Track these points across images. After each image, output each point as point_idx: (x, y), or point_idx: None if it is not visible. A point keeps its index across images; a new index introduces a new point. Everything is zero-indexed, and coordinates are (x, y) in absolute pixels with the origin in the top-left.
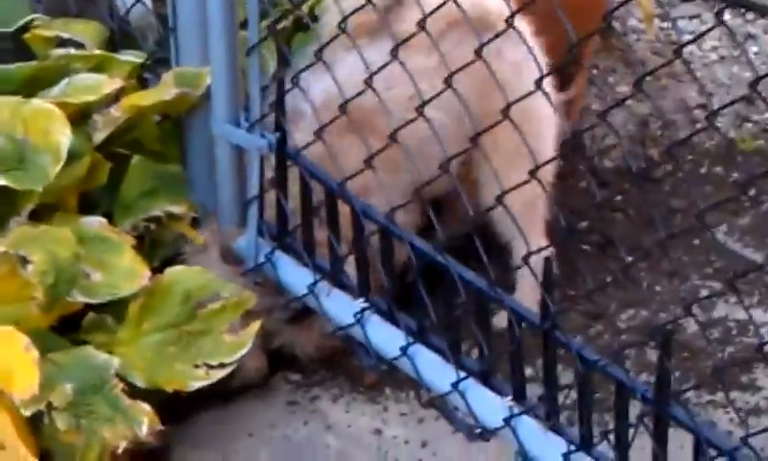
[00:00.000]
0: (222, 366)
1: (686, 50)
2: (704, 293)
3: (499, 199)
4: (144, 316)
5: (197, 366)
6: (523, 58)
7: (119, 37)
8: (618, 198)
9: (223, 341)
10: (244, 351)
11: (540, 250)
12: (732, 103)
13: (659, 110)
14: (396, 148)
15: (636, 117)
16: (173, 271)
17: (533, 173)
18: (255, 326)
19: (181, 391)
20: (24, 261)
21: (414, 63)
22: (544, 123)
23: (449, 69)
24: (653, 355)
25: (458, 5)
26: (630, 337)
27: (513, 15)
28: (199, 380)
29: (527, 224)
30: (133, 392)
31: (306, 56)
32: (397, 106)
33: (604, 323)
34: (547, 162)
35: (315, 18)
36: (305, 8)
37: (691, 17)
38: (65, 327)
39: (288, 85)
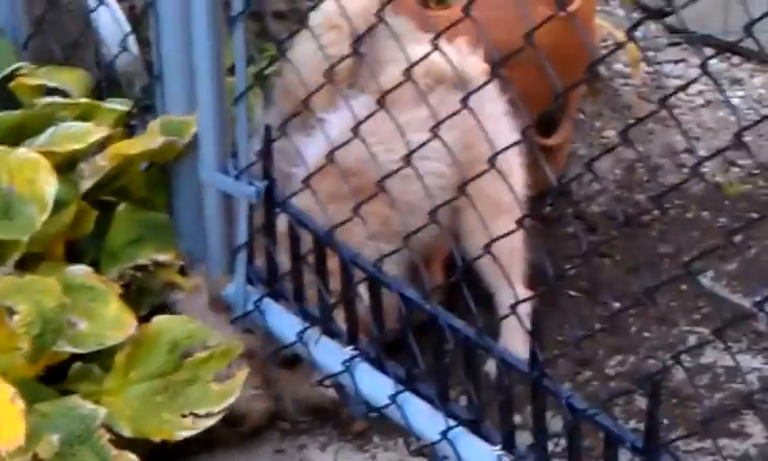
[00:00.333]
0: (209, 415)
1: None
2: (692, 339)
3: (487, 247)
4: (131, 365)
5: (184, 415)
6: (501, 112)
7: (105, 85)
8: (606, 243)
9: (210, 390)
10: (231, 399)
11: (524, 300)
12: (716, 153)
13: (645, 156)
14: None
15: (623, 162)
16: (159, 320)
17: (520, 221)
18: (243, 374)
19: (168, 441)
20: (10, 312)
21: (403, 118)
22: (516, 172)
23: (437, 120)
24: (642, 403)
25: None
26: (618, 384)
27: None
28: (186, 430)
29: (508, 272)
30: (120, 442)
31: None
32: (391, 160)
33: (592, 369)
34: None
35: None
36: None
37: (677, 61)
38: (51, 376)
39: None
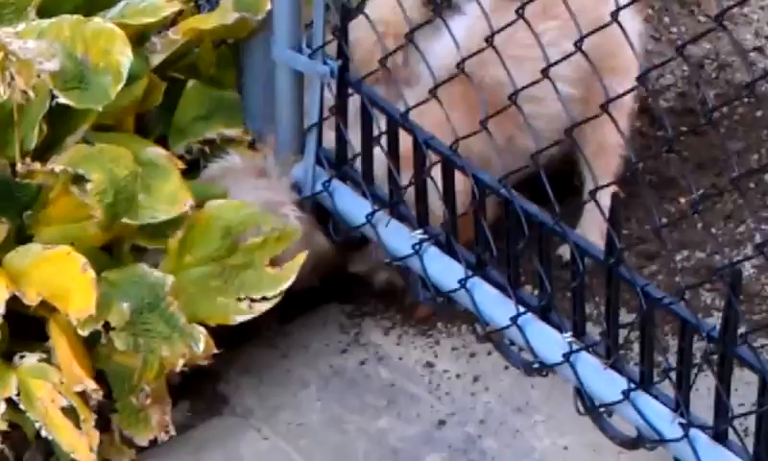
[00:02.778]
0: (265, 299)
1: None
2: (758, 236)
3: (569, 132)
4: (185, 249)
5: (239, 299)
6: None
7: None
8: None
9: (266, 274)
10: (287, 284)
11: (602, 187)
12: None
13: (714, 53)
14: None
15: (692, 59)
16: (212, 204)
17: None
18: (300, 258)
19: (224, 325)
20: (83, 180)
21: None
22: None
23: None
24: (708, 298)
25: None
26: (684, 278)
27: None
28: (241, 314)
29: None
30: None
31: None
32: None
33: (658, 263)
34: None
35: None
36: None
37: None
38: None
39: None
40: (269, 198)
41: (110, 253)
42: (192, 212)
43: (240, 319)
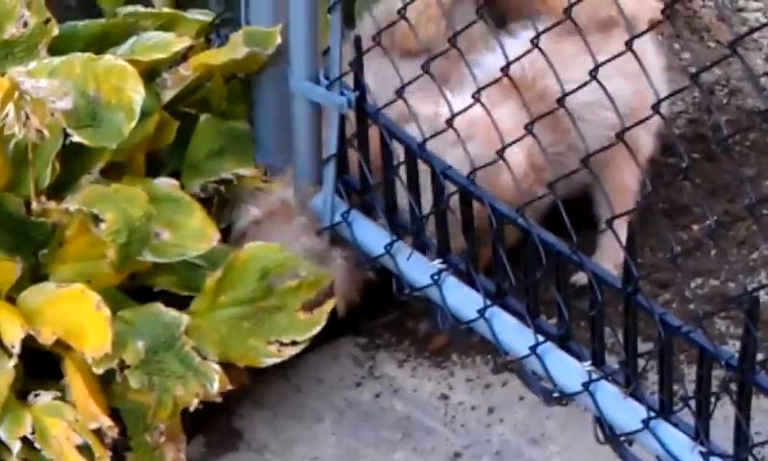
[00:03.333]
0: (294, 344)
1: (752, 16)
2: None
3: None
4: (221, 290)
5: (269, 342)
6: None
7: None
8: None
9: (297, 318)
10: (317, 329)
11: (625, 213)
12: None
13: (725, 79)
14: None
15: (703, 85)
16: (251, 246)
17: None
18: (330, 304)
19: (253, 367)
20: (97, 219)
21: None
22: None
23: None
24: (722, 326)
25: None
26: (699, 306)
27: None
28: (271, 357)
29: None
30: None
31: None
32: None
33: (672, 291)
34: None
35: None
36: None
37: None
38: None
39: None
40: (312, 246)
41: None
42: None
43: (269, 361)
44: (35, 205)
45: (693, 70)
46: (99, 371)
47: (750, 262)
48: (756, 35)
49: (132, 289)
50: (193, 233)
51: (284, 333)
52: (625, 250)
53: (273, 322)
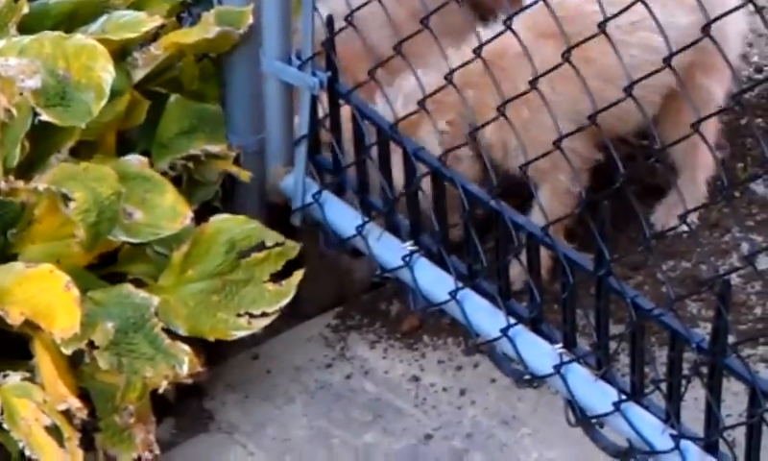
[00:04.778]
0: (264, 315)
1: None
2: (744, 245)
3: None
4: (188, 264)
5: (239, 315)
6: None
7: None
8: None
9: (265, 290)
10: (287, 300)
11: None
12: None
13: None
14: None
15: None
16: (217, 219)
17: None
18: (298, 275)
19: (223, 340)
20: (66, 199)
21: None
22: None
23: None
24: (694, 308)
25: None
26: (671, 289)
27: None
28: (241, 330)
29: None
30: (174, 339)
31: None
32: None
33: (644, 273)
34: None
35: None
36: None
37: None
38: (101, 261)
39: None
40: None
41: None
42: (196, 229)
43: (239, 334)
44: (3, 184)
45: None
46: (68, 351)
47: (721, 245)
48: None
49: (103, 276)
50: (165, 212)
51: (253, 305)
52: (596, 232)
53: (241, 294)
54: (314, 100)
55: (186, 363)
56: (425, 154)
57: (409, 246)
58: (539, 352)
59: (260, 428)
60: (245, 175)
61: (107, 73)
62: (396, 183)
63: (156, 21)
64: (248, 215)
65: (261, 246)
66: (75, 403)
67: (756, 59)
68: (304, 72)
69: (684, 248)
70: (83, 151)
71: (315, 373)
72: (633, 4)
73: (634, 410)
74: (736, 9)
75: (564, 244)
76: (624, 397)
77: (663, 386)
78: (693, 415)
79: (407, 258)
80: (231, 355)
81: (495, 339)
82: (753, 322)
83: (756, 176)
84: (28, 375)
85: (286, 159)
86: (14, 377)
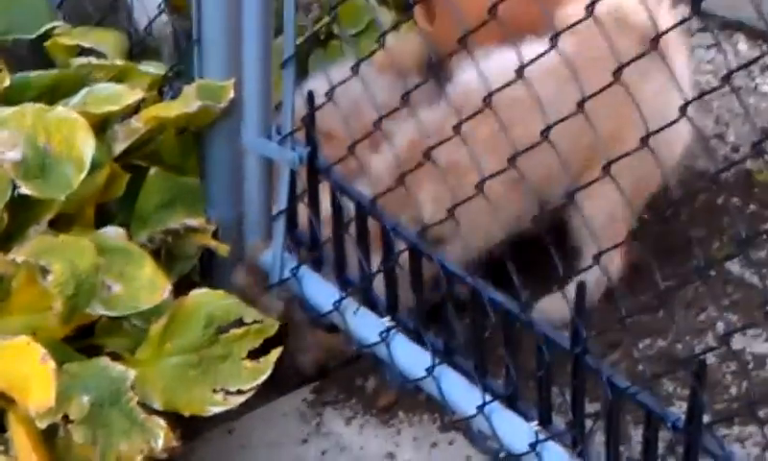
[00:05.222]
0: (240, 392)
1: (703, 79)
2: (720, 325)
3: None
4: (166, 337)
5: (215, 391)
6: None
7: (136, 51)
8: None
9: (243, 367)
10: (263, 377)
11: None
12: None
13: None
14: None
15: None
16: (197, 293)
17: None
18: (275, 353)
19: (198, 416)
20: (44, 271)
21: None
22: None
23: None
24: (669, 387)
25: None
26: (647, 367)
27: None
28: (216, 406)
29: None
30: (149, 412)
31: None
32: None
33: (620, 352)
34: None
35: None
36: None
37: (708, 47)
38: (79, 333)
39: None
40: None
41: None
42: (175, 302)
43: (215, 410)
44: None
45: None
46: (42, 425)
47: (698, 324)
48: (706, 97)
49: (80, 349)
50: (144, 285)
51: (230, 382)
52: (574, 310)
53: (218, 370)
54: (293, 175)
55: (162, 438)
56: (403, 229)
57: (386, 322)
58: (514, 430)
59: None
60: (223, 249)
61: (87, 146)
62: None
63: (137, 95)
64: (226, 290)
65: (240, 322)
66: None
67: (732, 138)
68: (284, 147)
69: (660, 326)
70: (61, 223)
71: (290, 448)
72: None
73: None
74: None
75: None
76: None
77: None
78: None
79: (384, 334)
80: (207, 430)
81: (471, 416)
82: (728, 401)
83: (732, 255)
84: (2, 448)
85: (265, 234)
86: None
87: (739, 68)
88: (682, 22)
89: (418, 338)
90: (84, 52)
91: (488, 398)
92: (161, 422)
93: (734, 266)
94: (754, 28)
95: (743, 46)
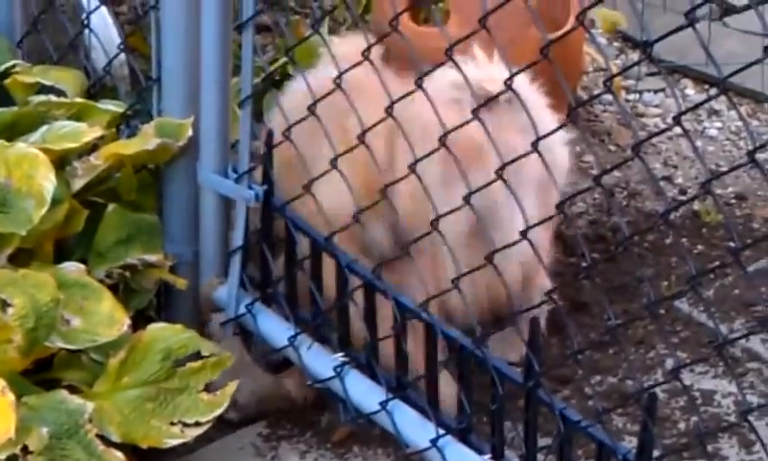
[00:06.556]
0: (197, 425)
1: (651, 121)
2: (669, 361)
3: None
4: (124, 371)
5: (173, 423)
6: None
7: (94, 90)
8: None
9: (200, 399)
10: (220, 410)
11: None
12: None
13: (624, 181)
14: None
15: (604, 187)
16: (154, 327)
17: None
18: (232, 386)
19: (155, 448)
20: (4, 304)
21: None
22: None
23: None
24: (619, 422)
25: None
26: (598, 402)
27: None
28: (174, 438)
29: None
30: (106, 444)
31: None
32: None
33: (571, 388)
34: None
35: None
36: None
37: (656, 91)
38: (36, 366)
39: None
40: None
41: None
42: (132, 337)
43: (172, 442)
44: None
45: (595, 172)
46: (2, 456)
47: (647, 361)
48: (654, 140)
49: (38, 382)
50: (102, 319)
51: (187, 414)
52: (527, 346)
53: (176, 403)
54: (248, 213)
55: None
56: (358, 266)
57: (340, 357)
58: None
59: None
60: (181, 283)
61: (48, 182)
62: (328, 294)
63: (97, 132)
64: (183, 324)
65: (197, 355)
66: None
67: (680, 180)
68: (241, 185)
69: (610, 363)
70: (21, 258)
71: None
72: None
73: None
74: None
75: (494, 356)
76: None
77: None
78: None
79: (338, 369)
80: None
81: (425, 450)
82: (677, 436)
83: (681, 293)
84: None
85: (220, 270)
86: None
87: (688, 111)
88: (632, 66)
89: (371, 373)
90: (43, 90)
91: (441, 431)
92: (119, 454)
93: (683, 304)
94: (701, 73)
95: (690, 91)
